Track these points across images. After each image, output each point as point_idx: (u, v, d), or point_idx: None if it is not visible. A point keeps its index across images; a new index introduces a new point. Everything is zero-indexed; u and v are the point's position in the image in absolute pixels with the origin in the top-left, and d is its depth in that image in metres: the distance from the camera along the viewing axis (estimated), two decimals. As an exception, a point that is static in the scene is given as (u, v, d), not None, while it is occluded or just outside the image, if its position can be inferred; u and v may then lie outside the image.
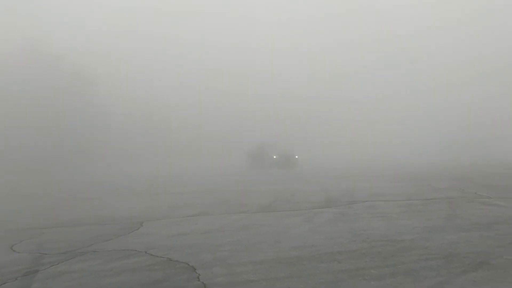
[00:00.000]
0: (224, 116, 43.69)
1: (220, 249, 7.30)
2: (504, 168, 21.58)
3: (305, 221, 9.43)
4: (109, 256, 7.21)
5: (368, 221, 9.19)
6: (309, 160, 31.64)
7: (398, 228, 8.40)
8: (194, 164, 33.06)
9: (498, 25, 45.24)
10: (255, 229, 8.88)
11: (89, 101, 36.04)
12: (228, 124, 42.67)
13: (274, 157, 27.95)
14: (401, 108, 46.45)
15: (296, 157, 28.71)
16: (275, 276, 5.88)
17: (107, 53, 41.64)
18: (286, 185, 17.42)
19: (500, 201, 11.11)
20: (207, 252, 7.14)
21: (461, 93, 44.47)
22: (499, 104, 43.26)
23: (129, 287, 5.66)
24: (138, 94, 41.22)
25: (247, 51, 46.79)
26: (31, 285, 6.00)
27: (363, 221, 9.23)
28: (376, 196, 12.85)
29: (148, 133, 39.54)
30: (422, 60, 46.62)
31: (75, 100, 34.81)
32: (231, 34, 47.50)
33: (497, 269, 5.79)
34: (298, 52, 48.34)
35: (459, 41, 48.14)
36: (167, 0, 48.68)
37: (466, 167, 21.91)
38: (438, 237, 7.58)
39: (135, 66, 42.76)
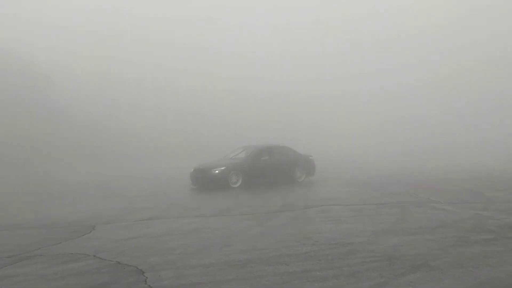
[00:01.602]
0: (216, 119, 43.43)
1: (170, 253, 7.45)
2: (465, 173, 22.54)
3: (258, 225, 9.68)
4: (56, 260, 7.23)
5: (320, 225, 9.52)
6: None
7: (348, 231, 8.76)
8: (166, 165, 32.85)
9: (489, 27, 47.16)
10: (207, 233, 9.06)
11: (45, 99, 35.33)
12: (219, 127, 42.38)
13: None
14: (368, 115, 47.61)
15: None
16: (222, 278, 6.09)
17: (70, 51, 40.94)
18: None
19: (448, 206, 11.69)
20: (157, 256, 7.27)
21: (427, 101, 46.03)
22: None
23: (74, 290, 5.74)
24: (103, 94, 40.64)
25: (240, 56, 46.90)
26: (-28, 289, 5.99)
27: (314, 225, 9.56)
28: (331, 200, 13.26)
29: (115, 134, 39.02)
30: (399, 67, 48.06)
31: (30, 97, 34.07)
32: (216, 38, 47.58)
33: (435, 270, 6.19)
34: (288, 57, 48.70)
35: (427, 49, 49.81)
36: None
37: (425, 173, 22.75)
38: (385, 240, 7.97)
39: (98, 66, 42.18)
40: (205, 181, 17.72)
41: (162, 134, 41.56)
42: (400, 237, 8.15)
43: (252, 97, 45.22)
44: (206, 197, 15.00)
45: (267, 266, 6.57)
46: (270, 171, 18.70)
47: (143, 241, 8.42)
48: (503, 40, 45.66)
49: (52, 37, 41.80)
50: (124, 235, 9.07)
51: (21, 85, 34.30)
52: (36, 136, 33.50)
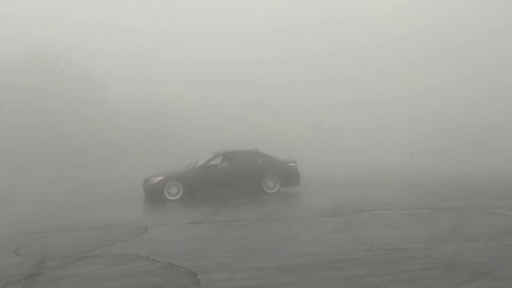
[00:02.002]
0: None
1: (221, 255, 7.51)
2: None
3: (309, 230, 9.60)
4: (111, 261, 7.45)
5: (374, 230, 9.34)
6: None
7: (403, 237, 8.54)
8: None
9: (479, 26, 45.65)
10: (257, 236, 9.07)
11: (98, 102, 36.58)
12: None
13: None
14: (391, 114, 46.26)
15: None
16: (275, 282, 6.08)
17: (114, 52, 42.14)
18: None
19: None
20: (209, 258, 7.35)
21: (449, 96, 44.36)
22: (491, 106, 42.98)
23: (129, 291, 5.88)
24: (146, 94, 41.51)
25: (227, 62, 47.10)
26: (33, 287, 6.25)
27: (368, 230, 9.38)
28: (384, 205, 12.97)
29: (168, 136, 39.76)
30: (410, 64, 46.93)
31: (82, 101, 35.37)
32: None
33: (500, 279, 5.92)
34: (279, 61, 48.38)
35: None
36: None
37: (472, 176, 21.84)
38: (443, 246, 7.71)
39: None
40: (146, 192, 16.19)
41: (214, 136, 41.95)
42: (459, 244, 7.87)
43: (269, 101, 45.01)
44: (253, 200, 15.01)
45: (320, 271, 6.50)
46: (227, 181, 16.25)
47: (194, 244, 8.53)
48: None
49: (104, 40, 43.14)
50: (176, 237, 9.23)
51: (76, 90, 35.68)
52: (91, 140, 34.73)
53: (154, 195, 15.75)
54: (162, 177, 15.87)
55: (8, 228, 11.39)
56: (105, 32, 43.05)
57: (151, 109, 40.79)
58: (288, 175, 16.82)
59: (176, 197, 15.60)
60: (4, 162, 30.97)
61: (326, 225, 10.03)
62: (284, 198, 15.17)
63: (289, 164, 17.12)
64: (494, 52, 43.04)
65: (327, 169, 27.10)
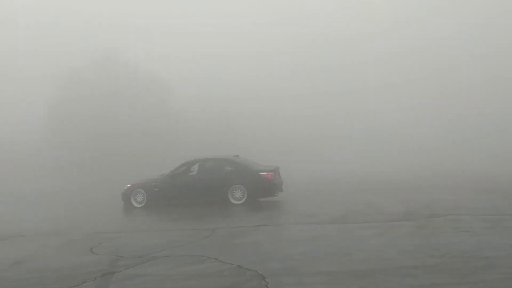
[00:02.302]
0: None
1: (289, 259, 7.48)
2: None
3: (379, 234, 9.36)
4: (180, 261, 7.63)
5: (449, 236, 8.95)
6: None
7: (483, 244, 8.12)
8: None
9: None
10: (325, 240, 8.95)
11: (165, 106, 37.73)
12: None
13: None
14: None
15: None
16: (345, 287, 5.96)
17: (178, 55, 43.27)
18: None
19: None
20: (277, 261, 7.34)
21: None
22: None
23: (199, 291, 5.99)
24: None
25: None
26: (108, 285, 6.53)
27: (443, 235, 9.00)
28: (459, 209, 12.41)
29: (232, 140, 40.37)
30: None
31: (150, 106, 36.61)
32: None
33: None
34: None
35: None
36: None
37: None
38: (527, 255, 7.26)
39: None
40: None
41: (282, 138, 41.98)
42: (546, 252, 7.38)
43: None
44: (319, 204, 14.84)
45: (392, 277, 6.31)
46: (192, 190, 15.77)
47: (262, 246, 8.56)
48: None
49: (167, 43, 44.37)
50: (243, 239, 9.31)
51: (144, 95, 36.96)
52: (158, 143, 35.84)
53: (124, 202, 16.02)
54: (130, 185, 16.12)
55: (84, 228, 11.97)
56: (168, 36, 44.30)
57: (218, 110, 41.41)
58: (257, 185, 15.43)
59: (141, 205, 15.74)
60: (79, 166, 32.50)
61: (396, 230, 9.74)
62: (352, 202, 14.89)
63: (260, 173, 15.65)
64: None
65: (385, 173, 26.32)
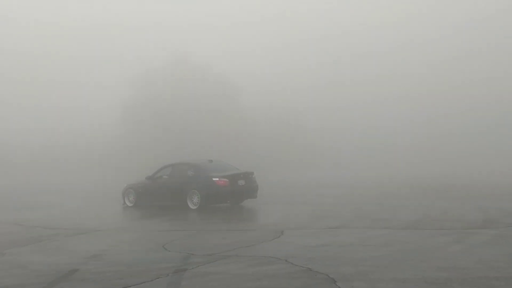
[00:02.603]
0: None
1: (361, 263, 7.37)
2: None
3: (455, 242, 9.00)
4: (251, 261, 7.72)
5: (534, 246, 8.45)
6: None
7: None
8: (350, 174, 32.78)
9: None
10: (398, 246, 8.73)
11: (235, 108, 38.38)
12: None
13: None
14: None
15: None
16: (420, 296, 5.80)
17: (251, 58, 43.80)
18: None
19: None
20: (348, 265, 7.26)
21: None
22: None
23: (270, 292, 6.04)
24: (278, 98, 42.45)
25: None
26: (180, 282, 6.72)
27: (527, 246, 8.51)
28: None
29: (301, 141, 40.47)
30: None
31: (222, 107, 37.38)
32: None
33: None
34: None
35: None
36: None
37: None
38: None
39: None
40: None
41: (355, 141, 41.50)
42: None
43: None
44: (391, 208, 14.47)
45: (470, 287, 6.05)
46: (161, 193, 16.35)
47: (333, 250, 8.49)
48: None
49: (241, 46, 45.02)
50: (313, 242, 9.27)
51: (215, 94, 37.76)
52: (225, 142, 36.48)
53: (122, 200, 17.15)
54: (126, 185, 17.31)
55: (155, 225, 12.43)
56: (239, 36, 44.96)
57: (287, 110, 41.48)
58: (208, 190, 15.42)
59: (132, 204, 16.79)
60: (151, 165, 33.59)
61: (474, 238, 9.33)
62: (426, 207, 14.41)
63: (213, 179, 15.47)
64: None
65: (449, 176, 25.21)
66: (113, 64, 45.43)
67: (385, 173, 31.43)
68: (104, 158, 37.20)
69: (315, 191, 21.49)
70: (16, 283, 6.94)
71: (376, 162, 38.10)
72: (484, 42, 43.30)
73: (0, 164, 41.53)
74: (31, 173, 38.18)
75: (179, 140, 35.95)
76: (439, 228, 10.59)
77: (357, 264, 7.36)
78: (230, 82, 39.25)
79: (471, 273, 6.68)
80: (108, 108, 41.38)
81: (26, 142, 43.67)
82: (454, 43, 43.92)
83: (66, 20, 53.56)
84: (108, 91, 42.69)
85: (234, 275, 6.96)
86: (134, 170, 33.02)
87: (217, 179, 15.61)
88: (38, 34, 52.54)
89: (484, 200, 15.62)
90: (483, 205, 14.28)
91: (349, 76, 45.55)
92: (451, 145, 39.20)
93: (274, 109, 41.43)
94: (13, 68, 49.73)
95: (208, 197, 15.57)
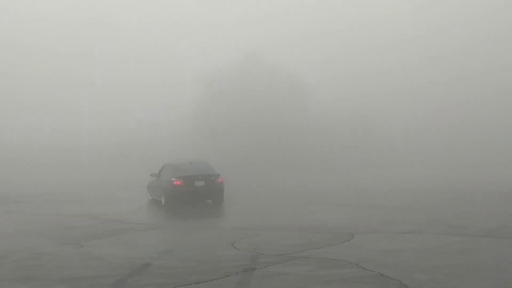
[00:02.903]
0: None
1: (436, 271, 7.11)
2: None
3: (542, 252, 8.46)
4: (320, 264, 7.66)
5: None
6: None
7: None
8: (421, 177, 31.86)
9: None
10: (476, 254, 8.34)
11: (305, 109, 38.33)
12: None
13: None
14: None
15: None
16: (501, 309, 5.51)
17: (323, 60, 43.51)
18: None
19: None
20: (422, 273, 7.03)
21: None
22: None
23: (340, 296, 5.96)
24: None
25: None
26: (249, 281, 6.79)
27: None
28: None
29: (370, 144, 39.87)
30: None
31: (291, 107, 37.49)
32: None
33: None
34: None
35: None
36: None
37: None
38: None
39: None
40: None
41: (422, 146, 40.30)
42: None
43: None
44: (468, 214, 13.83)
45: (559, 303, 5.67)
46: (155, 190, 18.34)
47: (406, 255, 8.24)
48: None
49: (314, 49, 44.84)
50: (385, 246, 9.05)
51: (285, 96, 37.87)
52: (293, 144, 36.47)
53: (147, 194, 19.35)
54: (149, 182, 19.14)
55: (226, 223, 12.65)
56: (310, 38, 44.84)
57: (358, 112, 40.95)
58: (168, 191, 16.59)
59: (151, 198, 18.75)
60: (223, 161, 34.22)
61: None
62: (506, 214, 13.66)
63: (171, 179, 16.52)
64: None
65: None
66: (184, 63, 46.81)
67: (448, 175, 30.37)
68: (172, 154, 38.27)
69: (385, 194, 21.00)
70: (93, 274, 7.30)
71: (439, 164, 36.80)
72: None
73: (58, 162, 44.32)
74: (93, 169, 40.26)
75: (248, 138, 36.38)
76: (522, 237, 10.00)
77: (431, 271, 7.10)
78: (299, 81, 39.22)
79: (559, 287, 6.26)
80: (179, 105, 42.69)
81: (83, 141, 46.34)
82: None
83: (135, 18, 55.93)
84: (180, 89, 44.00)
85: (303, 276, 6.94)
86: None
87: (174, 179, 16.49)
88: (102, 33, 55.33)
89: None
90: None
91: (422, 79, 44.24)
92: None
93: (345, 110, 40.97)
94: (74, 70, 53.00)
95: (169, 196, 16.60)
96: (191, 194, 16.49)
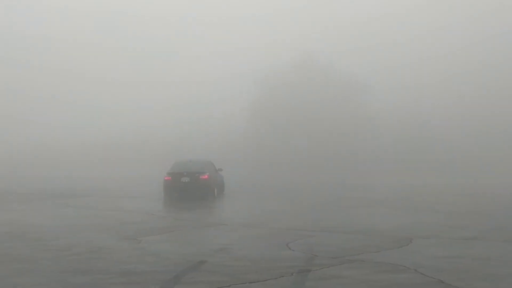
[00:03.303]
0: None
1: (499, 280, 6.83)
2: None
3: None
4: (377, 268, 7.53)
5: None
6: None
7: None
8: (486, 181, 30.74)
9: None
10: (546, 264, 7.95)
11: (360, 109, 37.82)
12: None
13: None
14: None
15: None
16: None
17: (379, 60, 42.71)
18: None
19: None
20: (485, 281, 6.78)
21: None
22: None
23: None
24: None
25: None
26: (304, 282, 6.77)
27: None
28: None
29: (426, 145, 38.88)
30: None
31: (347, 107, 37.10)
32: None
33: None
34: None
35: None
36: None
37: None
38: None
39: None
40: None
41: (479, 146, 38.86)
42: None
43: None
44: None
45: None
46: None
47: (467, 263, 7.97)
48: None
49: (369, 47, 44.12)
50: (445, 252, 8.79)
51: (340, 94, 37.51)
52: (346, 143, 36.05)
53: None
54: None
55: (280, 223, 12.68)
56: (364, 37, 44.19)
57: (416, 113, 40.03)
58: (163, 185, 19.72)
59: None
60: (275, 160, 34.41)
61: None
62: None
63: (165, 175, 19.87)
64: None
65: None
66: (240, 62, 47.26)
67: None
68: (218, 151, 38.62)
69: (444, 198, 20.42)
70: (150, 269, 7.50)
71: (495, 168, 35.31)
72: None
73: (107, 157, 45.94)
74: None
75: (301, 136, 36.33)
76: None
77: (494, 280, 6.83)
78: (355, 80, 38.73)
79: None
80: (232, 101, 43.18)
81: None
82: None
83: (185, 14, 57.12)
84: (235, 88, 44.48)
85: (359, 280, 6.85)
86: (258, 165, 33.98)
87: (165, 175, 19.54)
88: (151, 29, 56.90)
89: None
90: None
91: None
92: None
93: (400, 108, 40.11)
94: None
95: (164, 190, 19.56)
96: (177, 188, 19.40)
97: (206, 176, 19.10)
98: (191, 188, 18.98)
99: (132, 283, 6.74)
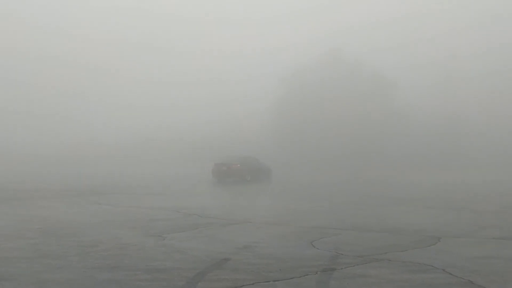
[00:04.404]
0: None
1: (534, 282, 6.60)
2: None
3: None
4: (404, 267, 7.38)
5: None
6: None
7: None
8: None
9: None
10: None
11: (389, 105, 37.33)
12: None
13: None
14: None
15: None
16: None
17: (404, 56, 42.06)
18: None
19: None
20: (517, 282, 6.55)
21: None
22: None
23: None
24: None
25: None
26: (329, 281, 6.68)
27: None
28: None
29: (456, 142, 38.09)
30: None
31: (375, 103, 36.67)
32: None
33: None
34: None
35: None
36: None
37: None
38: None
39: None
40: None
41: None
42: None
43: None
44: None
45: None
46: None
47: (498, 263, 7.74)
48: None
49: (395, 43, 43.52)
50: (475, 252, 8.56)
51: (368, 90, 37.10)
52: (375, 139, 35.60)
53: None
54: None
55: (305, 221, 12.57)
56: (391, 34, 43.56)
57: (445, 110, 39.25)
58: None
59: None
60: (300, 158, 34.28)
61: None
62: None
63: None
64: None
65: None
66: (265, 60, 47.24)
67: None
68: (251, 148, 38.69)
69: (473, 197, 19.95)
70: (175, 266, 7.52)
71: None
72: None
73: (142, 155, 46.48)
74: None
75: (331, 134, 36.10)
76: None
77: (528, 282, 6.61)
78: (382, 77, 38.25)
79: None
80: (259, 99, 43.19)
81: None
82: None
83: (212, 14, 57.33)
84: (260, 85, 44.50)
85: (386, 280, 6.71)
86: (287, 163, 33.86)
87: (214, 165, 29.06)
88: (181, 28, 57.36)
89: None
90: None
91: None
92: None
93: (427, 106, 39.41)
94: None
95: (212, 174, 29.00)
96: (219, 173, 28.46)
97: (237, 166, 28.07)
98: (226, 174, 28.18)
99: (158, 279, 6.77)
